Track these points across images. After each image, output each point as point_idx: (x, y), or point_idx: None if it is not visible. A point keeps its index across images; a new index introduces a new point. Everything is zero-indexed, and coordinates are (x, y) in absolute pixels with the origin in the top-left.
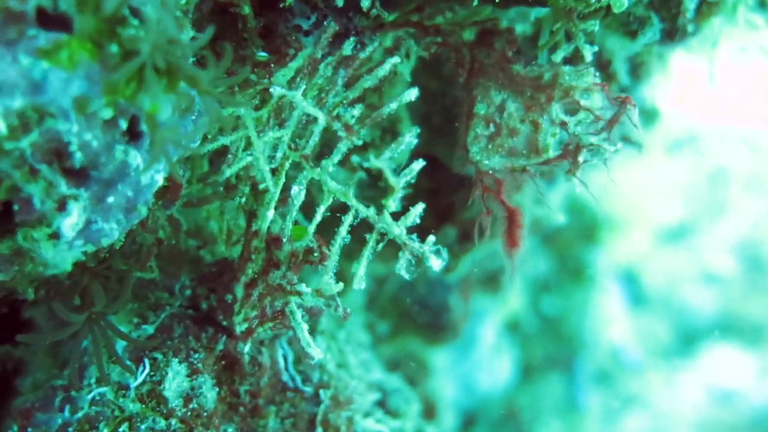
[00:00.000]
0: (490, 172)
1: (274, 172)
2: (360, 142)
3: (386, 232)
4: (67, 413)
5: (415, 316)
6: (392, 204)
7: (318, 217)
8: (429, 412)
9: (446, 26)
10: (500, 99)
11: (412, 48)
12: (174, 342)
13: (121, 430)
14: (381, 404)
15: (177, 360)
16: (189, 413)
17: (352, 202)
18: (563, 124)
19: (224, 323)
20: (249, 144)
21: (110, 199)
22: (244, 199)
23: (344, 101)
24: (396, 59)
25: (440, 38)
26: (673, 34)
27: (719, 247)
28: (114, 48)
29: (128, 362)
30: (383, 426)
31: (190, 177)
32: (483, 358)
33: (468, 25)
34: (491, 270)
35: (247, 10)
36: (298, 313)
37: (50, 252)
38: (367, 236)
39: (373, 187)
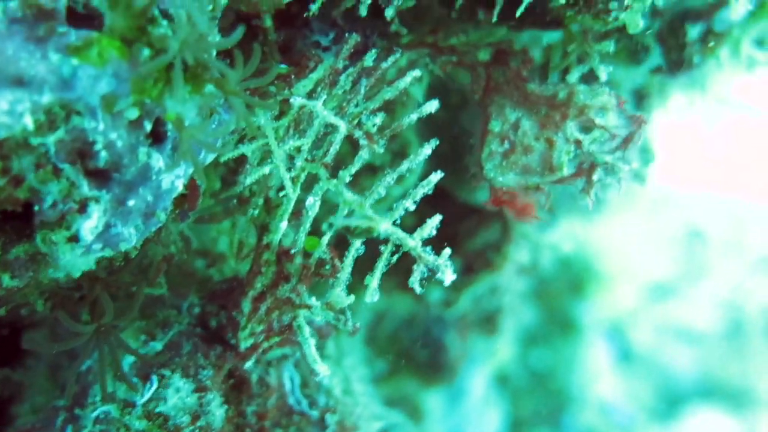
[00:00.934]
0: (504, 189)
1: (292, 181)
2: (382, 150)
3: (401, 244)
4: None
5: (413, 355)
6: (411, 205)
7: (331, 231)
8: None
9: (461, 47)
10: (515, 117)
11: (428, 65)
12: (182, 359)
13: None
14: None
15: (179, 375)
16: (197, 430)
17: (369, 214)
18: (578, 143)
19: (233, 341)
20: (267, 155)
21: (131, 203)
22: (257, 212)
23: (365, 111)
24: (417, 72)
25: (455, 57)
26: (679, 64)
27: (701, 308)
28: (144, 47)
29: (135, 379)
30: None
31: (204, 191)
32: (472, 411)
33: (483, 45)
34: (489, 310)
35: (268, 22)
36: (306, 329)
37: (68, 256)
38: (382, 248)
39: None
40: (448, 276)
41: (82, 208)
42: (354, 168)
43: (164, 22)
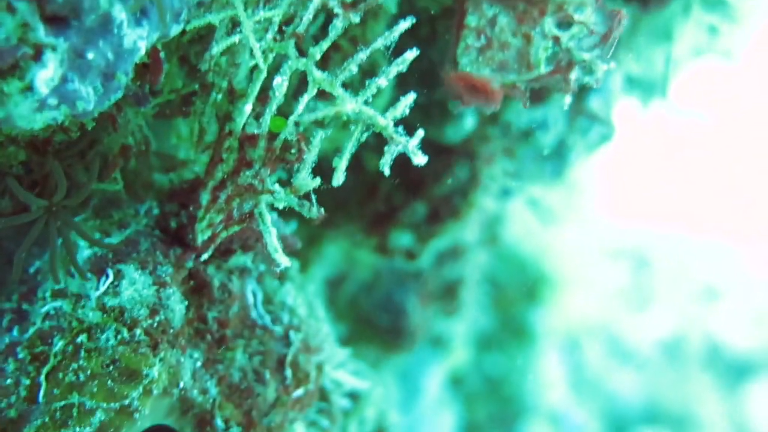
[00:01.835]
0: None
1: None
2: (358, 20)
3: (372, 123)
4: (15, 333)
5: (374, 321)
6: (384, 82)
7: (300, 108)
8: None
9: None
10: (492, 12)
11: None
12: (140, 255)
13: (78, 341)
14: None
15: (134, 267)
16: (155, 325)
17: (339, 92)
18: (556, 39)
19: (194, 244)
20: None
21: (90, 55)
22: (220, 96)
23: None
24: None
25: None
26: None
27: (646, 333)
28: None
29: (89, 275)
30: (356, 379)
31: (162, 89)
32: (427, 411)
33: None
34: (450, 280)
35: None
36: (268, 216)
37: (21, 108)
38: (352, 127)
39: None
40: (420, 158)
41: (37, 55)
42: (326, 44)
43: None
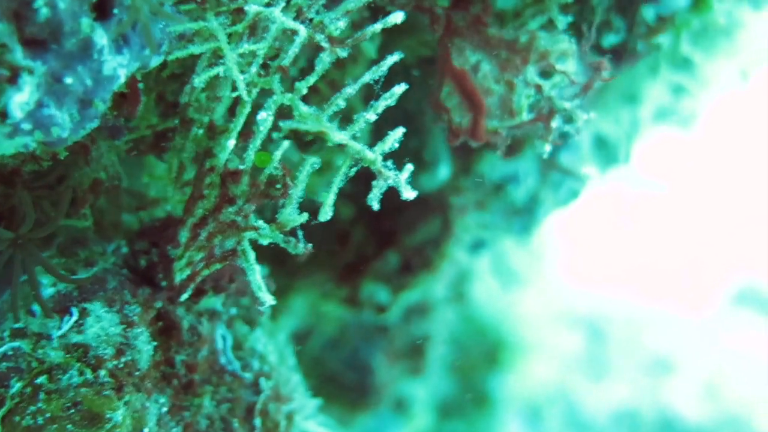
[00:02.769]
0: (462, 129)
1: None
2: (345, 54)
3: (360, 158)
4: None
5: (340, 379)
6: (372, 116)
7: (285, 144)
8: None
9: None
10: (475, 59)
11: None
12: (107, 293)
13: (38, 382)
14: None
15: (100, 304)
16: (121, 366)
17: (326, 127)
18: (538, 87)
19: (164, 283)
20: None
21: (68, 80)
22: (201, 131)
23: (327, 20)
24: None
25: (414, 1)
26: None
27: (601, 404)
28: None
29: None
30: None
31: (137, 124)
32: None
33: None
34: (417, 336)
35: None
36: (252, 254)
37: None
38: (339, 161)
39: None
40: (409, 192)
41: (13, 78)
42: (312, 78)
43: None
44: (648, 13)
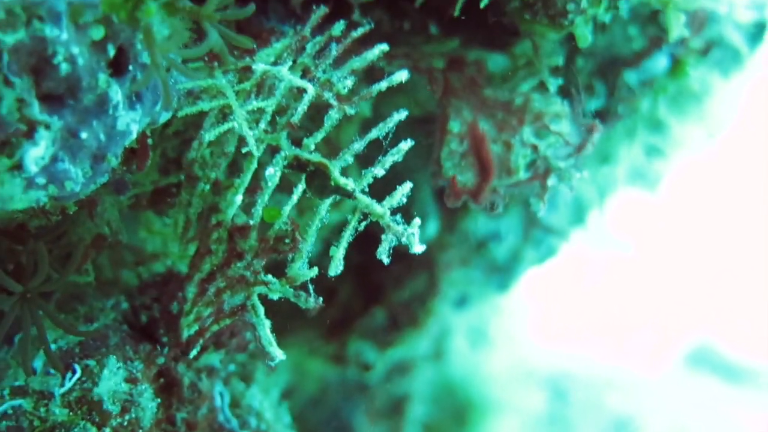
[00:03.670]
0: (461, 187)
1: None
2: (353, 111)
3: (369, 212)
4: None
5: None
6: (380, 171)
7: (295, 198)
8: None
9: (416, 54)
10: (472, 119)
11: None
12: (109, 349)
13: None
14: None
15: (115, 358)
16: (125, 424)
17: (335, 176)
18: (534, 147)
19: (165, 339)
20: (227, 116)
21: (83, 135)
22: (208, 187)
23: (334, 78)
24: (385, 46)
25: (411, 62)
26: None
27: None
28: None
29: (52, 371)
30: None
31: (140, 180)
32: None
33: (437, 55)
34: (398, 395)
35: None
36: (261, 309)
37: (7, 187)
38: (349, 216)
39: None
40: (418, 247)
41: (30, 132)
42: (320, 135)
43: None
44: (630, 77)
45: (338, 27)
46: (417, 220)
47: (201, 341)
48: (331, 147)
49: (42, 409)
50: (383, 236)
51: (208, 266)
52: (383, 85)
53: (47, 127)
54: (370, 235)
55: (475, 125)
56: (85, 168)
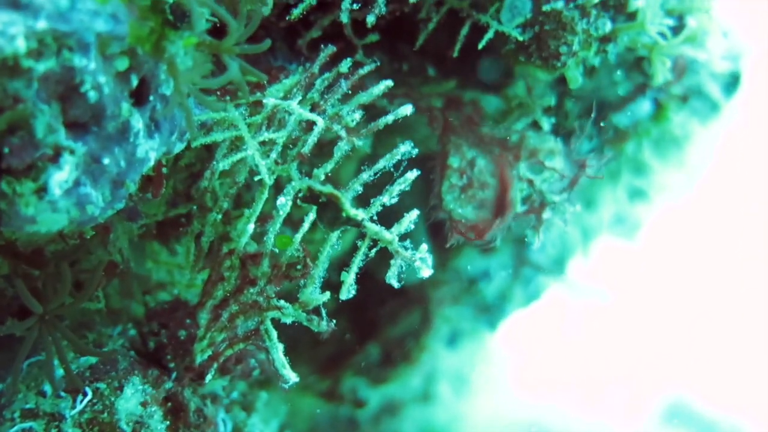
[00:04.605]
0: (463, 221)
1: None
2: (360, 143)
3: (378, 239)
4: None
5: None
6: (387, 199)
7: (306, 226)
8: None
9: (415, 94)
10: (471, 155)
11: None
12: (119, 373)
13: None
14: None
15: (138, 379)
16: None
17: (345, 207)
18: (530, 182)
19: (172, 365)
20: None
21: (105, 161)
22: (220, 216)
23: (342, 112)
24: (390, 82)
25: (412, 102)
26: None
27: None
28: None
29: (63, 393)
30: None
31: (150, 211)
32: None
33: (435, 95)
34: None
35: None
36: (274, 332)
37: (32, 210)
38: (359, 243)
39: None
40: (426, 271)
41: (55, 157)
42: (330, 165)
43: None
44: (616, 120)
45: (346, 64)
46: (424, 246)
47: (215, 365)
48: (333, 184)
49: (53, 431)
50: (392, 261)
51: (220, 293)
52: (390, 118)
53: (72, 152)
54: (365, 272)
55: (504, 172)
56: (105, 193)
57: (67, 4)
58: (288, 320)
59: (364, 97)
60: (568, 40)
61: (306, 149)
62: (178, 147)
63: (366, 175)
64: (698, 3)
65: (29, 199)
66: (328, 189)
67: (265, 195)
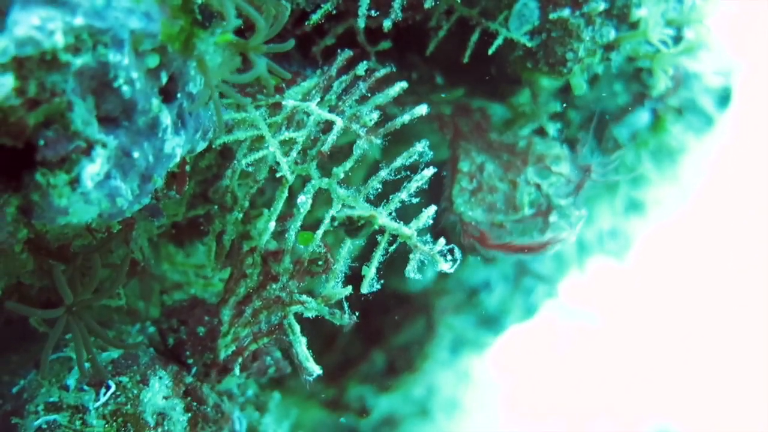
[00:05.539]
0: (473, 223)
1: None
2: (379, 141)
3: (397, 234)
4: None
5: None
6: (405, 196)
7: (326, 222)
8: None
9: (424, 101)
10: (480, 160)
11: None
12: (140, 368)
13: None
14: None
15: (164, 371)
16: None
17: (363, 207)
18: (537, 186)
19: (190, 361)
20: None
21: (135, 154)
22: (241, 215)
23: (359, 113)
24: (404, 83)
25: None
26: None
27: None
28: None
29: (86, 387)
30: None
31: (171, 209)
32: None
33: (444, 103)
34: None
35: None
36: (297, 326)
37: (65, 201)
38: (379, 238)
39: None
40: (444, 264)
41: (88, 150)
42: (349, 164)
43: None
44: (616, 131)
45: (362, 67)
46: (442, 240)
47: (240, 360)
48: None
49: (78, 422)
50: (411, 255)
51: (243, 289)
52: (406, 117)
53: (104, 145)
54: None
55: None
56: (134, 186)
57: (103, 1)
58: (311, 314)
59: (380, 98)
60: (574, 46)
61: (326, 147)
62: (201, 145)
63: (384, 173)
64: (695, 15)
65: (63, 191)
66: (366, 212)
67: (285, 194)
